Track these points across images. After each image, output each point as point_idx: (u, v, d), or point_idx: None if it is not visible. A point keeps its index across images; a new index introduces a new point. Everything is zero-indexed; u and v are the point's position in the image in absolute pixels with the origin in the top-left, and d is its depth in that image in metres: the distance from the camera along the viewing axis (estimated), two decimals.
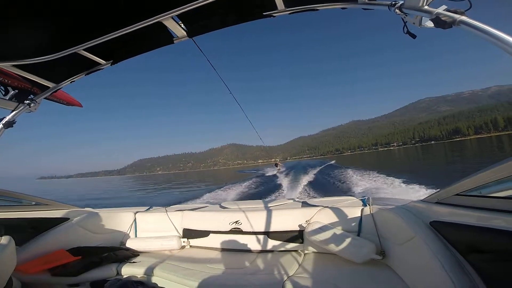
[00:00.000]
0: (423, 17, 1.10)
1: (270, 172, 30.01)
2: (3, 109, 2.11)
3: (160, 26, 1.64)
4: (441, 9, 0.99)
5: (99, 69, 2.07)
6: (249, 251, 2.66)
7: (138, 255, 2.69)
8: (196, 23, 1.71)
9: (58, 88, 2.20)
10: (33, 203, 2.62)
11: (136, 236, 3.13)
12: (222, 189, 18.36)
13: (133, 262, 2.46)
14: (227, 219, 2.84)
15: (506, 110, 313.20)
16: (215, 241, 2.84)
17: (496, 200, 1.18)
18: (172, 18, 1.59)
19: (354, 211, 2.38)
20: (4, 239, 1.75)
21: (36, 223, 2.51)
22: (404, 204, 2.09)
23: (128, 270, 2.33)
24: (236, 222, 2.79)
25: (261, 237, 2.67)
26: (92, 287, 2.24)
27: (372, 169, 20.02)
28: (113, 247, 2.75)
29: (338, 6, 1.48)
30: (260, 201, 3.24)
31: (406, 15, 1.17)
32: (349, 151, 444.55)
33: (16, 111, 2.13)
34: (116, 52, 1.95)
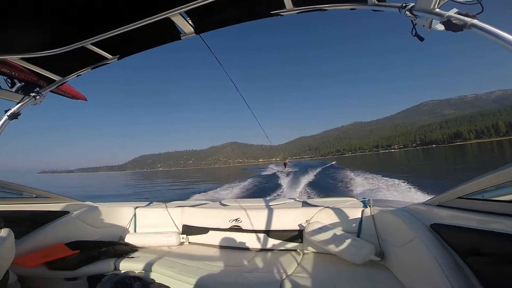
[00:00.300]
0: (433, 20, 1.10)
1: (279, 170, 29.98)
2: (9, 100, 2.12)
3: (168, 22, 1.63)
4: (452, 12, 0.99)
5: (106, 64, 2.07)
6: (248, 249, 2.66)
7: (137, 250, 2.70)
8: (204, 20, 1.71)
9: (64, 81, 2.20)
10: (34, 195, 2.61)
11: (135, 231, 3.13)
12: (223, 187, 18.39)
13: (132, 257, 2.46)
14: (227, 216, 2.84)
15: (509, 114, 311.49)
16: (214, 238, 2.84)
17: (498, 203, 1.17)
18: (180, 14, 1.58)
19: (354, 212, 2.38)
20: (4, 232, 1.75)
21: (35, 216, 2.50)
22: (405, 207, 2.09)
23: (126, 265, 2.33)
24: (236, 220, 2.79)
25: (260, 235, 2.67)
26: (90, 281, 2.23)
27: (373, 171, 20.02)
28: (112, 241, 2.75)
29: (348, 7, 1.47)
30: (261, 199, 3.24)
31: (416, 17, 1.16)
32: (350, 152, 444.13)
33: (22, 103, 2.14)
34: (123, 47, 1.95)
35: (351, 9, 1.47)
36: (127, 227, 3.13)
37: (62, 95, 2.43)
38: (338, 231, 2.30)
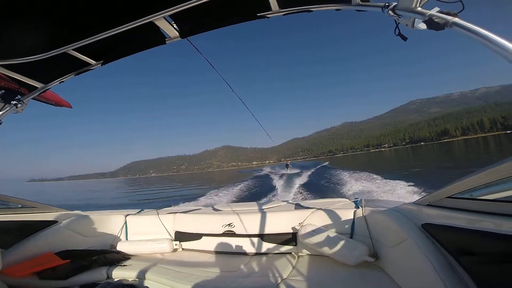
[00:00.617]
0: (416, 19, 1.11)
1: (282, 172, 30.22)
2: None
3: (152, 26, 1.61)
4: (434, 11, 1.00)
5: (89, 70, 2.03)
6: (242, 253, 2.64)
7: (129, 258, 2.65)
8: (189, 24, 1.69)
9: (47, 88, 2.14)
10: (20, 205, 2.55)
11: (127, 239, 3.07)
12: (217, 190, 18.28)
13: (124, 265, 2.42)
14: (220, 221, 2.81)
15: (493, 111, 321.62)
16: (208, 244, 2.81)
17: (486, 202, 1.19)
18: (165, 18, 1.56)
19: (346, 213, 2.38)
20: None
21: (23, 226, 2.44)
22: (396, 206, 2.10)
23: (118, 274, 2.28)
24: (229, 224, 2.76)
25: (254, 239, 2.65)
26: None
27: (364, 170, 20.23)
28: (103, 250, 2.70)
29: (332, 7, 1.48)
30: (254, 203, 3.22)
31: (399, 17, 1.17)
32: (342, 152, 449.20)
33: (2, 112, 2.07)
34: (106, 52, 1.91)
35: (336, 9, 1.48)
36: (118, 235, 3.06)
37: (45, 103, 2.36)
38: (331, 233, 2.30)
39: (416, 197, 1.97)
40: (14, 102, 2.07)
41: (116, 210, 3.45)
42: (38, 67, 1.81)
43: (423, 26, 1.07)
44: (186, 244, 2.92)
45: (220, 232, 2.78)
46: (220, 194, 15.83)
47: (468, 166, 18.96)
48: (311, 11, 1.56)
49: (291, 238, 2.53)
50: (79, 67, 1.99)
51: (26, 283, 2.11)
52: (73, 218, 2.85)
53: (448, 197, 1.43)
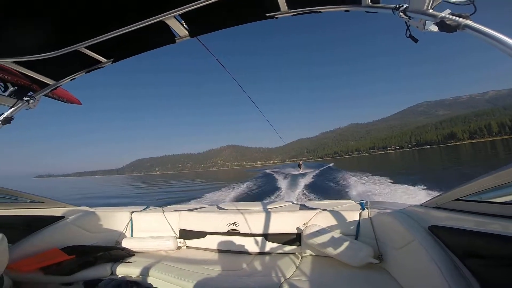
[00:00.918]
0: (427, 21, 1.10)
1: (294, 172, 29.76)
2: (2, 105, 2.09)
3: (162, 25, 1.63)
4: (445, 13, 0.99)
5: (100, 67, 2.06)
6: (246, 253, 2.64)
7: (134, 255, 2.67)
8: (199, 23, 1.70)
9: (58, 85, 2.18)
10: (28, 200, 2.60)
11: (132, 235, 3.10)
12: (224, 188, 18.34)
13: (128, 262, 2.44)
14: (225, 220, 2.82)
15: (502, 114, 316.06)
16: (212, 242, 2.82)
17: (495, 205, 1.17)
18: (175, 17, 1.58)
19: (352, 215, 2.37)
20: None
21: (30, 221, 2.48)
22: (402, 208, 2.08)
23: (123, 270, 2.30)
24: (233, 223, 2.77)
25: (258, 239, 2.65)
26: (86, 286, 2.21)
27: (370, 172, 20.05)
28: (108, 246, 2.72)
29: (342, 8, 1.47)
30: (258, 202, 3.22)
31: (410, 19, 1.16)
32: (347, 154, 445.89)
33: (15, 108, 2.11)
34: (117, 51, 1.93)
35: (346, 10, 1.47)
36: (124, 232, 3.09)
37: (56, 99, 2.41)
38: (336, 233, 2.29)
39: (422, 200, 1.95)
40: (27, 98, 2.11)
41: (122, 207, 3.49)
42: (50, 64, 1.84)
43: (434, 28, 1.06)
44: (190, 242, 2.93)
45: (225, 230, 2.78)
46: (225, 193, 15.88)
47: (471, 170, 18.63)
48: (320, 12, 1.56)
49: (295, 238, 2.53)
50: (90, 64, 2.02)
51: (31, 278, 2.14)
52: (80, 214, 2.89)
53: (456, 200, 1.41)
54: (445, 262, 1.35)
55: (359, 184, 14.18)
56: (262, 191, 16.17)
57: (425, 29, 1.13)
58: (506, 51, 0.80)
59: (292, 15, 1.62)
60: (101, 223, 3.00)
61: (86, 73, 2.11)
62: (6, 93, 2.04)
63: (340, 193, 12.72)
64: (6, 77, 1.90)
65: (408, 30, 1.23)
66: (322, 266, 2.23)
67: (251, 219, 2.73)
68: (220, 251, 2.76)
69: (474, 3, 0.97)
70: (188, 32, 1.76)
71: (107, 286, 1.96)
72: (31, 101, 2.14)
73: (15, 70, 1.87)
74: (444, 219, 1.53)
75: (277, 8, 1.58)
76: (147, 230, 3.07)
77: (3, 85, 2.01)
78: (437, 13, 1.01)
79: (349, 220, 2.36)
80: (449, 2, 1.02)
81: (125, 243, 2.84)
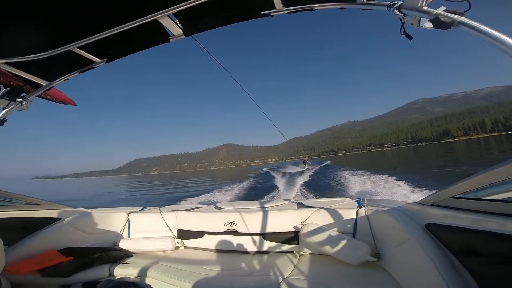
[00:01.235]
0: (421, 18, 1.10)
1: (300, 169, 29.59)
2: None
3: (156, 24, 1.61)
4: (440, 10, 0.99)
5: (94, 67, 2.03)
6: (244, 252, 2.64)
7: (131, 256, 2.66)
8: (193, 22, 1.68)
9: (51, 86, 2.15)
10: (24, 202, 2.57)
11: (129, 236, 3.09)
12: (221, 187, 18.32)
13: (126, 263, 2.43)
14: (222, 219, 2.82)
15: (496, 111, 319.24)
16: (209, 242, 2.82)
17: (491, 202, 1.18)
18: (169, 16, 1.56)
19: (349, 213, 2.38)
20: None
21: (26, 223, 2.47)
22: (399, 206, 2.09)
23: (121, 271, 2.30)
24: (231, 223, 2.77)
25: (256, 238, 2.66)
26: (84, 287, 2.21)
27: (366, 170, 20.15)
28: (105, 247, 2.72)
29: (337, 6, 1.46)
30: (256, 201, 3.22)
31: (405, 16, 1.16)
32: (344, 151, 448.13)
33: (7, 109, 2.08)
34: (111, 50, 1.91)
35: (341, 8, 1.47)
36: (121, 233, 3.08)
37: (50, 100, 2.38)
38: (334, 232, 2.30)
39: (419, 197, 1.95)
40: (19, 99, 2.08)
41: (119, 208, 3.48)
42: (43, 64, 1.82)
43: (429, 25, 1.06)
44: (188, 242, 2.93)
45: (222, 230, 2.78)
46: (223, 192, 15.88)
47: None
48: (315, 9, 1.55)
49: (293, 237, 2.53)
50: (84, 65, 1.99)
51: (29, 280, 2.13)
52: (77, 215, 2.88)
53: (452, 197, 1.42)
54: (442, 260, 1.36)
55: (356, 182, 14.25)
56: (262, 189, 16.22)
57: (419, 26, 1.12)
58: (500, 47, 0.79)
59: (287, 13, 1.61)
60: (98, 224, 2.98)
61: (79, 73, 2.08)
62: None
63: (337, 191, 12.78)
64: None
65: (402, 27, 1.22)
66: (320, 265, 2.24)
67: (249, 218, 2.73)
68: (218, 250, 2.76)
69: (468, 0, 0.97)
70: (183, 31, 1.74)
71: (106, 287, 1.95)
72: (24, 102, 2.11)
73: (7, 71, 1.84)
74: (440, 216, 1.54)
75: (272, 6, 1.57)
76: (144, 231, 3.06)
77: None
78: (432, 10, 1.01)
79: (346, 218, 2.37)
80: None
81: (123, 244, 2.83)
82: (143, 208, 3.40)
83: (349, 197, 3.43)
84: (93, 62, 1.97)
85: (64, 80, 2.13)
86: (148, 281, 2.20)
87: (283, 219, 2.63)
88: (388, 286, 1.74)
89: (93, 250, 2.54)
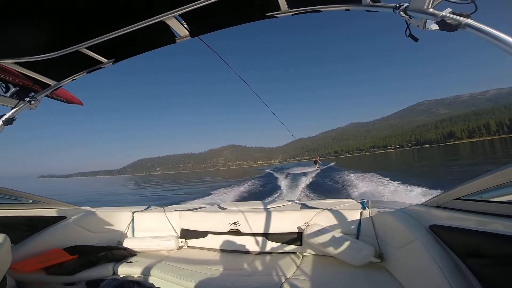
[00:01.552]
0: (427, 20, 1.10)
1: (310, 169, 29.33)
2: (4, 106, 2.10)
3: (163, 25, 1.63)
4: (446, 12, 0.99)
5: (101, 68, 2.06)
6: (247, 252, 2.65)
7: (135, 255, 2.68)
8: (199, 23, 1.70)
9: (59, 86, 2.19)
10: (30, 201, 2.60)
11: (133, 235, 3.11)
12: (224, 187, 18.34)
13: (130, 261, 2.45)
14: (226, 220, 2.83)
15: (502, 113, 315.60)
16: (213, 242, 2.83)
17: (496, 204, 1.17)
18: (175, 17, 1.58)
19: (353, 214, 2.37)
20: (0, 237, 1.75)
21: (32, 221, 2.50)
22: (403, 208, 2.08)
23: (124, 270, 2.32)
24: (234, 223, 2.77)
25: (259, 238, 2.66)
26: (88, 286, 2.24)
27: (371, 171, 20.00)
28: (110, 246, 2.74)
29: (342, 7, 1.47)
30: (259, 202, 3.22)
31: (411, 18, 1.16)
32: (348, 153, 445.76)
33: (16, 108, 2.12)
34: (118, 51, 1.94)
35: (346, 9, 1.47)
36: (125, 232, 3.10)
37: (58, 100, 2.41)
38: (337, 233, 2.29)
39: (423, 199, 1.94)
40: (28, 99, 2.12)
41: (124, 207, 3.50)
42: (51, 65, 1.85)
43: (435, 27, 1.06)
44: (192, 242, 2.94)
45: (226, 230, 2.79)
46: (227, 192, 15.89)
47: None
48: (320, 11, 1.55)
49: (296, 238, 2.53)
50: (91, 65, 2.02)
51: (34, 278, 2.15)
52: (82, 214, 2.91)
53: (457, 199, 1.42)
54: (446, 262, 1.35)
55: (360, 183, 14.15)
56: (265, 190, 16.20)
57: (425, 28, 1.12)
58: (507, 50, 0.80)
59: (293, 15, 1.62)
60: (103, 223, 3.01)
61: (87, 73, 2.11)
62: (8, 94, 2.05)
63: (341, 192, 12.70)
64: (7, 78, 1.91)
65: (408, 29, 1.23)
66: (323, 266, 2.23)
67: (252, 218, 2.74)
68: (221, 250, 2.76)
69: (475, 2, 0.97)
70: (189, 32, 1.76)
71: (109, 286, 1.96)
72: (32, 102, 2.15)
73: (16, 71, 1.88)
74: (445, 218, 1.53)
75: (278, 8, 1.58)
76: (148, 230, 3.08)
77: (4, 86, 2.02)
78: (438, 12, 1.01)
79: (350, 219, 2.36)
80: (450, 1, 1.01)
81: (127, 243, 2.85)
82: (147, 208, 3.42)
83: (352, 198, 3.42)
84: (100, 62, 1.99)
85: (72, 80, 2.16)
86: (151, 280, 2.22)
87: (286, 220, 2.63)
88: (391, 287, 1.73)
89: (98, 248, 2.56)
